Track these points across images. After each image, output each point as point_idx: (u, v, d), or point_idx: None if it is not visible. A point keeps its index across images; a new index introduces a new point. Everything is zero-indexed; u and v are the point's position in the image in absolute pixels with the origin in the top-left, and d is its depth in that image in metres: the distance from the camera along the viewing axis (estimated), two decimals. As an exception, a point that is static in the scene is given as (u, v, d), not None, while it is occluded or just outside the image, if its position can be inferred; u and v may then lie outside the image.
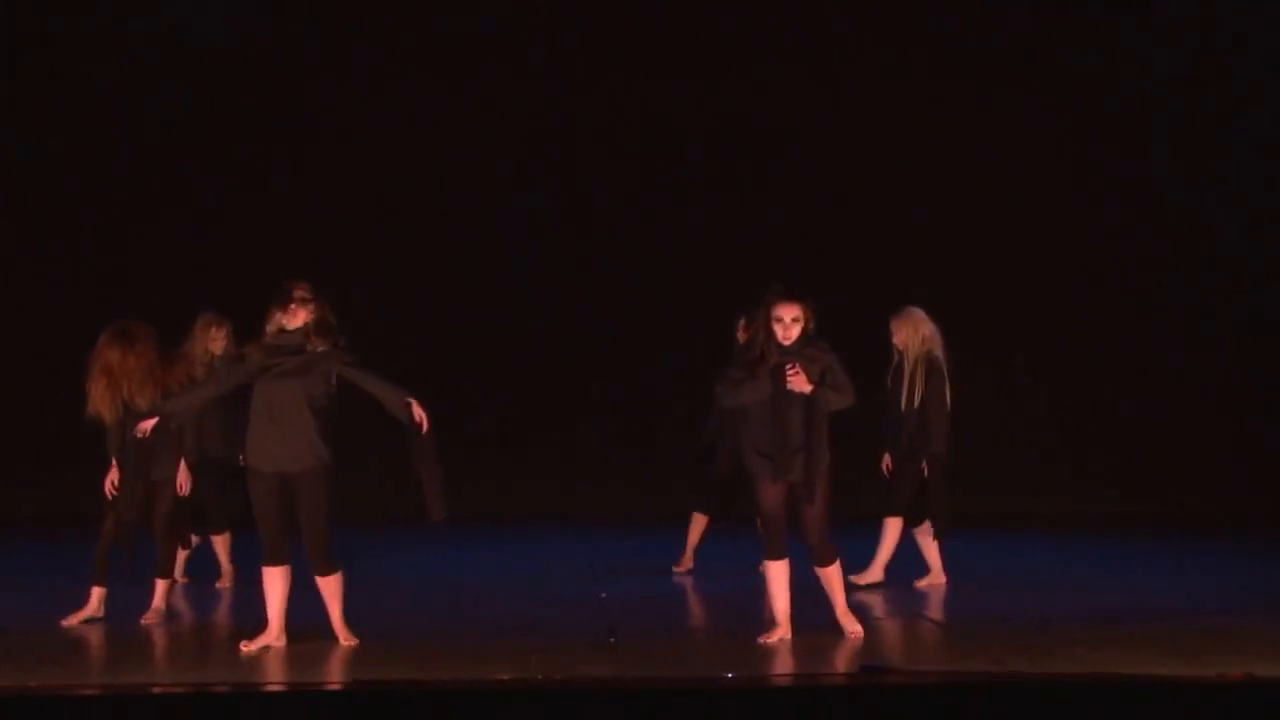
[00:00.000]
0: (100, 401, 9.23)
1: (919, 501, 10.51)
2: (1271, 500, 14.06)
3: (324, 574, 8.69)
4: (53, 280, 14.23)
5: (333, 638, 8.71)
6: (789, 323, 8.65)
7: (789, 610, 8.77)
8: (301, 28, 14.50)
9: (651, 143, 14.57)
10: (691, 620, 10.17)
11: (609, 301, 14.39)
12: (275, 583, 8.66)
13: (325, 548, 8.64)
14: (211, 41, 14.35)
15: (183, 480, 9.50)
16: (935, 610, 9.92)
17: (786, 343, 8.65)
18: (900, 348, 10.46)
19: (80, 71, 14.43)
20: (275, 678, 8.03)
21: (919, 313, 10.49)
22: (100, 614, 9.35)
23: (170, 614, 9.59)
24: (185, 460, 9.62)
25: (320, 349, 8.61)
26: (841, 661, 8.37)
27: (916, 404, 10.34)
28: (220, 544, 10.70)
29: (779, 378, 8.60)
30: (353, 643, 8.70)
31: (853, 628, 8.87)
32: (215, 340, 10.50)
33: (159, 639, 9.11)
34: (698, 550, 11.19)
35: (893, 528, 10.55)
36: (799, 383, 8.58)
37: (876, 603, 10.01)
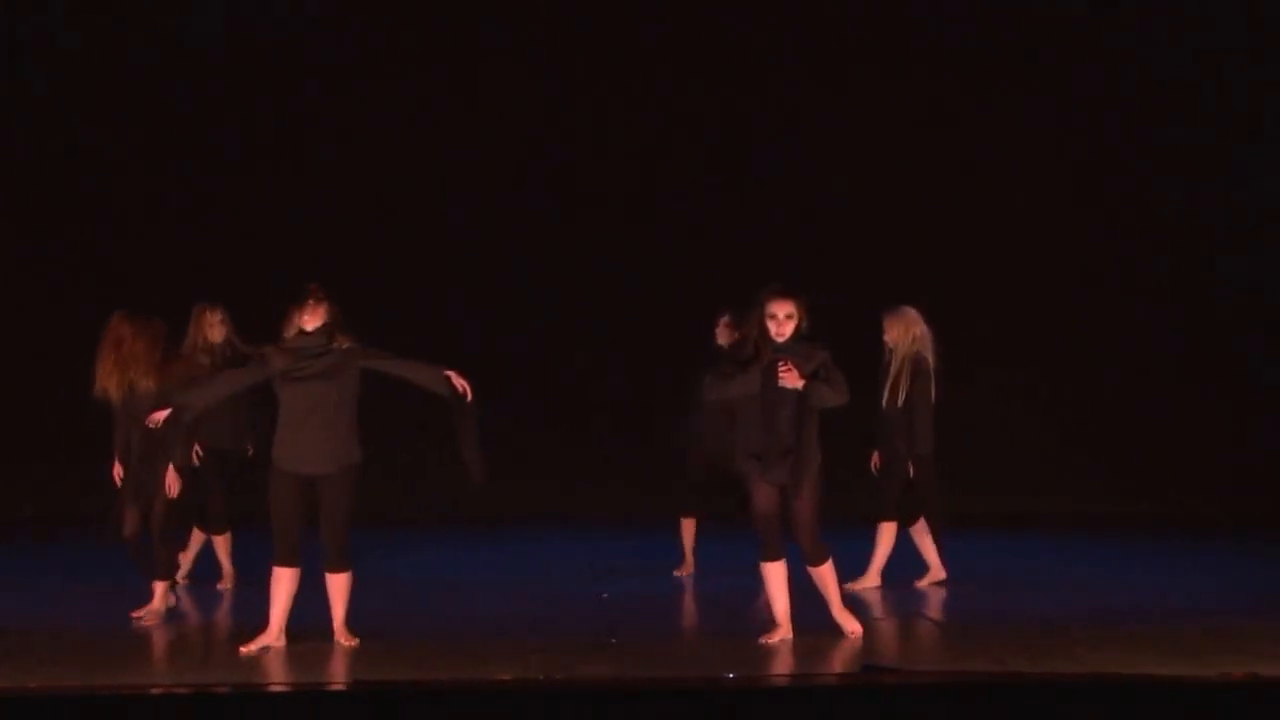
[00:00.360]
0: (107, 378, 9.23)
1: (909, 501, 10.51)
2: (1271, 500, 14.05)
3: (337, 571, 8.66)
4: (53, 280, 14.23)
5: (332, 638, 8.70)
6: (782, 319, 8.57)
7: (789, 610, 8.76)
8: (301, 28, 14.50)
9: (651, 143, 14.57)
10: (691, 620, 10.17)
11: (609, 301, 14.38)
12: (283, 584, 8.63)
13: (344, 546, 8.62)
14: (211, 41, 14.36)
15: (171, 483, 9.42)
16: (935, 610, 9.91)
17: (780, 339, 8.57)
18: (890, 345, 10.45)
19: (80, 71, 14.43)
20: (275, 678, 8.03)
21: (913, 312, 10.47)
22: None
23: (170, 614, 9.57)
24: (193, 453, 9.66)
25: (345, 345, 8.59)
26: (841, 662, 8.36)
27: (900, 402, 10.32)
28: (221, 545, 10.69)
29: (771, 374, 8.52)
30: (353, 643, 8.69)
31: (850, 625, 8.86)
32: (212, 326, 10.49)
33: (159, 640, 9.10)
34: (697, 551, 11.18)
35: (886, 532, 10.53)
36: (791, 379, 8.48)
37: (876, 602, 10.01)
